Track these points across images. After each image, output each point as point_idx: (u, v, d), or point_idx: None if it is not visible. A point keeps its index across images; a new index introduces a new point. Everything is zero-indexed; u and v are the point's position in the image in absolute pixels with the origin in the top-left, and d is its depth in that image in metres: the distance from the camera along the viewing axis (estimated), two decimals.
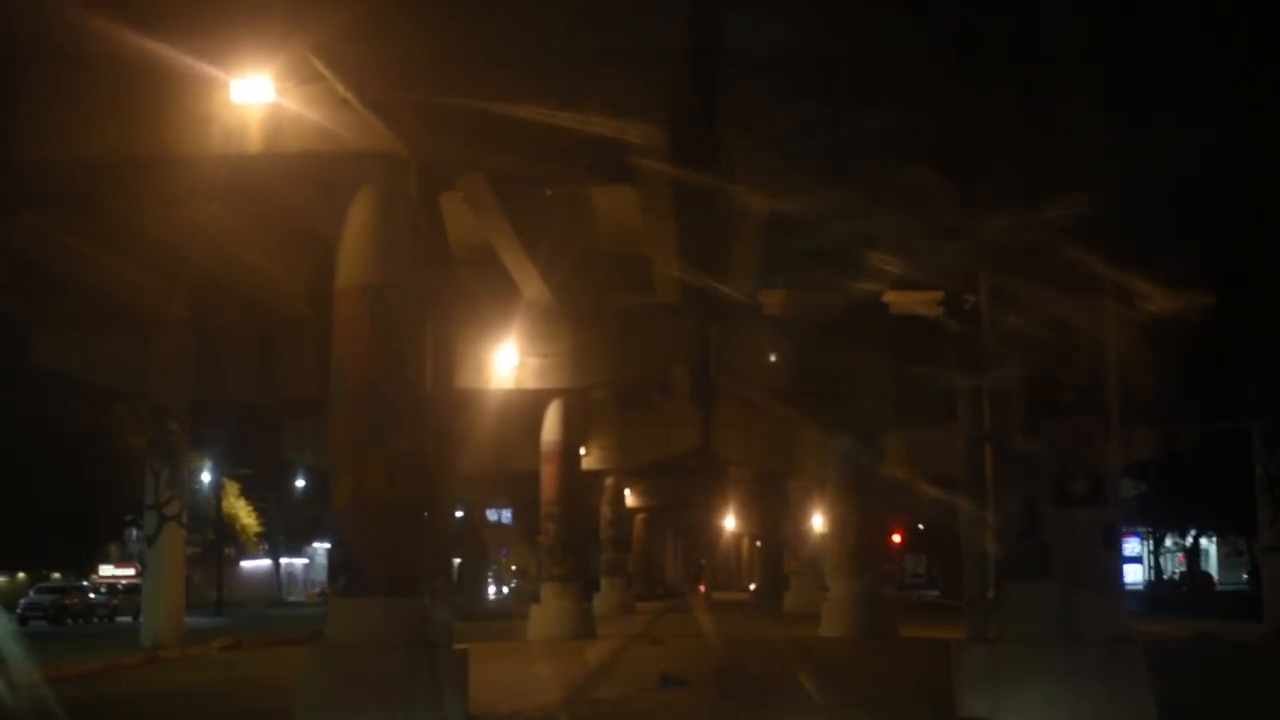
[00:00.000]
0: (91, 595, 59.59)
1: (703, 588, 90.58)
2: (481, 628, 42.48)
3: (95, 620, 56.73)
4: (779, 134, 19.36)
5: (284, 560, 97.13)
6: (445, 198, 21.32)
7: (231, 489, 76.60)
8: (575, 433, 36.20)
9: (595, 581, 53.63)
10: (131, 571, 72.51)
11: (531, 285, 33.60)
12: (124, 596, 61.04)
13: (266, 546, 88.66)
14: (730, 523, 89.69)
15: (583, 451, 49.58)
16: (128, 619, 54.95)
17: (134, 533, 76.59)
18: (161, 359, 34.37)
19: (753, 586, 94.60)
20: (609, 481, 54.21)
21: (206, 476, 70.56)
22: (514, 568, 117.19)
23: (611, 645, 33.62)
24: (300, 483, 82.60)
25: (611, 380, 36.29)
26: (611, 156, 22.41)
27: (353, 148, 17.23)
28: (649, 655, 29.24)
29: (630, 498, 70.14)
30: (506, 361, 35.24)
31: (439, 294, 18.74)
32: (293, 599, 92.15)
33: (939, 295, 33.33)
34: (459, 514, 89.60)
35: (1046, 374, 15.04)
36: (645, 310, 36.03)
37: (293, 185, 19.70)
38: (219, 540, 70.65)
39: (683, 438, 51.45)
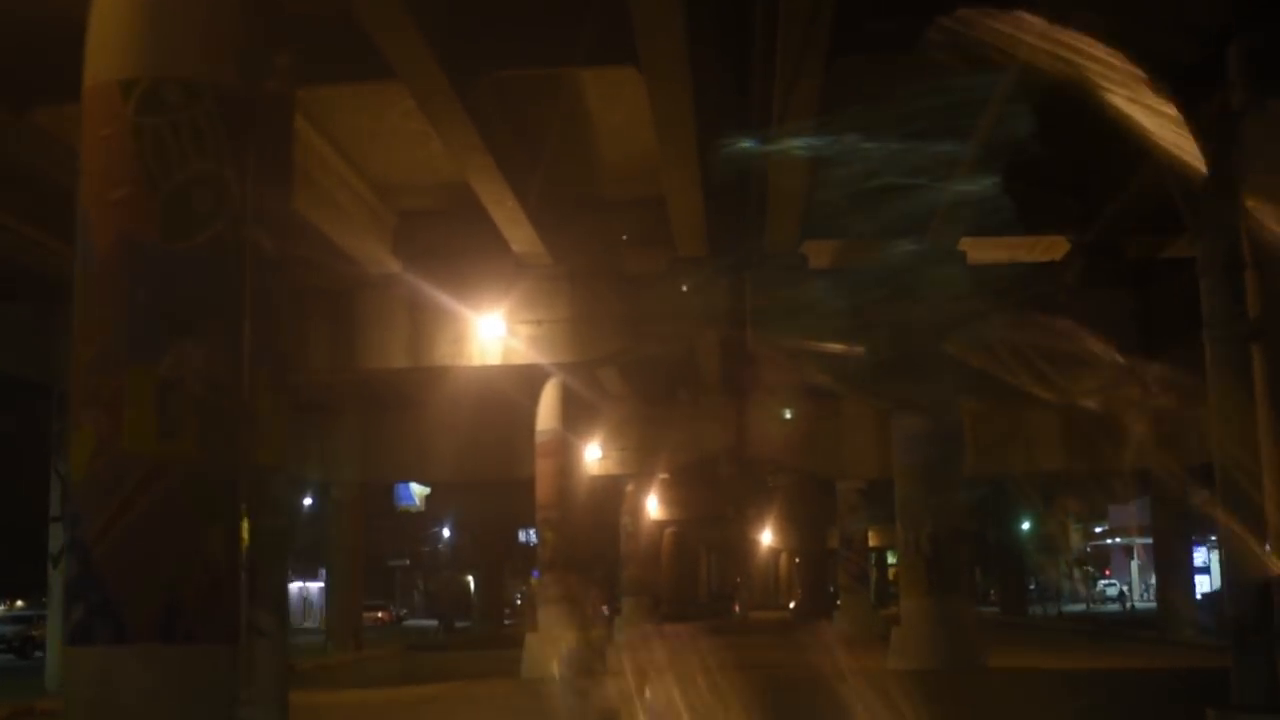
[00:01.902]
0: None
1: (737, 607, 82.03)
2: (474, 660, 34.67)
3: None
4: None
5: (298, 584, 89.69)
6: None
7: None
8: (577, 420, 28.35)
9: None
10: None
11: (521, 236, 26.08)
12: None
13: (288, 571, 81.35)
14: (767, 537, 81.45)
15: (599, 454, 41.95)
16: None
17: None
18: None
19: (792, 605, 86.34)
20: (629, 488, 46.20)
21: None
22: None
23: (625, 684, 25.78)
24: (308, 500, 74.71)
25: (622, 354, 28.47)
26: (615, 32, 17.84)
27: None
28: (673, 699, 21.40)
29: (657, 510, 62.27)
30: (491, 332, 27.50)
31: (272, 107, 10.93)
32: (308, 624, 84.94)
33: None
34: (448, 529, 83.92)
35: None
36: (663, 268, 28.31)
37: None
38: None
39: (713, 437, 43.73)
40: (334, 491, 44.33)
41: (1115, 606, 75.09)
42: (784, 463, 46.08)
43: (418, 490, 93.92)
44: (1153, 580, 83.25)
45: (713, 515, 70.03)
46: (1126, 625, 47.71)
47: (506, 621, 64.19)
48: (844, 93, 20.02)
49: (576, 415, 28.78)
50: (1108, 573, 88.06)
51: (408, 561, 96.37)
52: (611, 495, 47.40)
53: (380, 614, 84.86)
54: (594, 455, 43.42)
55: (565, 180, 26.38)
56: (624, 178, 26.76)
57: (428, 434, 43.19)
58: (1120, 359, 27.13)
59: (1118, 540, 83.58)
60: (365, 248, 27.62)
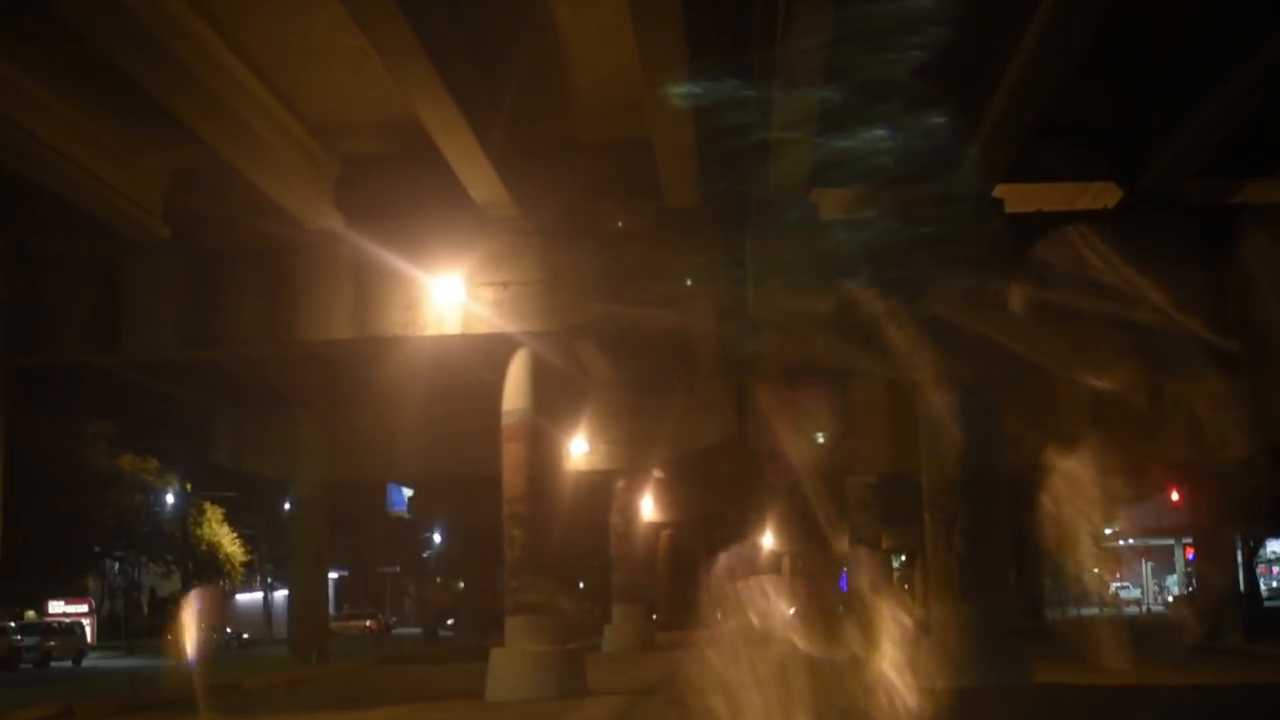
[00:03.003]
0: (19, 638, 46.99)
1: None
2: (446, 676, 30.17)
3: (23, 667, 44.77)
4: None
5: (283, 593, 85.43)
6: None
7: (214, 514, 65.81)
8: (553, 401, 23.89)
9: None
10: (84, 608, 60.87)
11: (482, 182, 21.93)
12: (62, 638, 49.06)
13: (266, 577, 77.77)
14: (769, 540, 76.76)
15: (585, 448, 37.50)
16: (65, 664, 45.77)
17: (114, 565, 66.65)
18: None
19: (792, 610, 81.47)
20: (619, 485, 41.60)
21: (171, 498, 60.01)
22: None
23: (605, 710, 21.38)
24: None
25: (601, 322, 24.01)
26: None
27: None
28: None
29: (653, 511, 57.79)
30: (449, 296, 23.14)
31: None
32: (283, 635, 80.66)
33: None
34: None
35: None
36: (648, 222, 23.97)
37: None
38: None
39: (712, 427, 39.45)
40: (296, 491, 39.86)
41: (1132, 610, 70.77)
42: (789, 457, 41.49)
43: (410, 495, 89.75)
44: (1169, 582, 79.45)
45: (712, 516, 65.48)
46: (1159, 630, 43.12)
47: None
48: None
49: (552, 395, 24.22)
50: (1118, 575, 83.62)
51: (398, 568, 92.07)
52: (601, 493, 42.84)
53: (369, 622, 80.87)
54: (580, 449, 39.06)
55: (534, 117, 22.15)
56: (602, 115, 22.57)
57: (398, 428, 38.84)
58: (1183, 327, 22.78)
59: (1131, 541, 79.13)
60: (301, 199, 23.35)
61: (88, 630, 56.22)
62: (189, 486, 59.78)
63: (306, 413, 39.10)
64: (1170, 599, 71.49)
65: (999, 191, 23.32)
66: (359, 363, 35.03)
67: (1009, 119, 20.55)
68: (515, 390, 23.60)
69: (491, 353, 23.92)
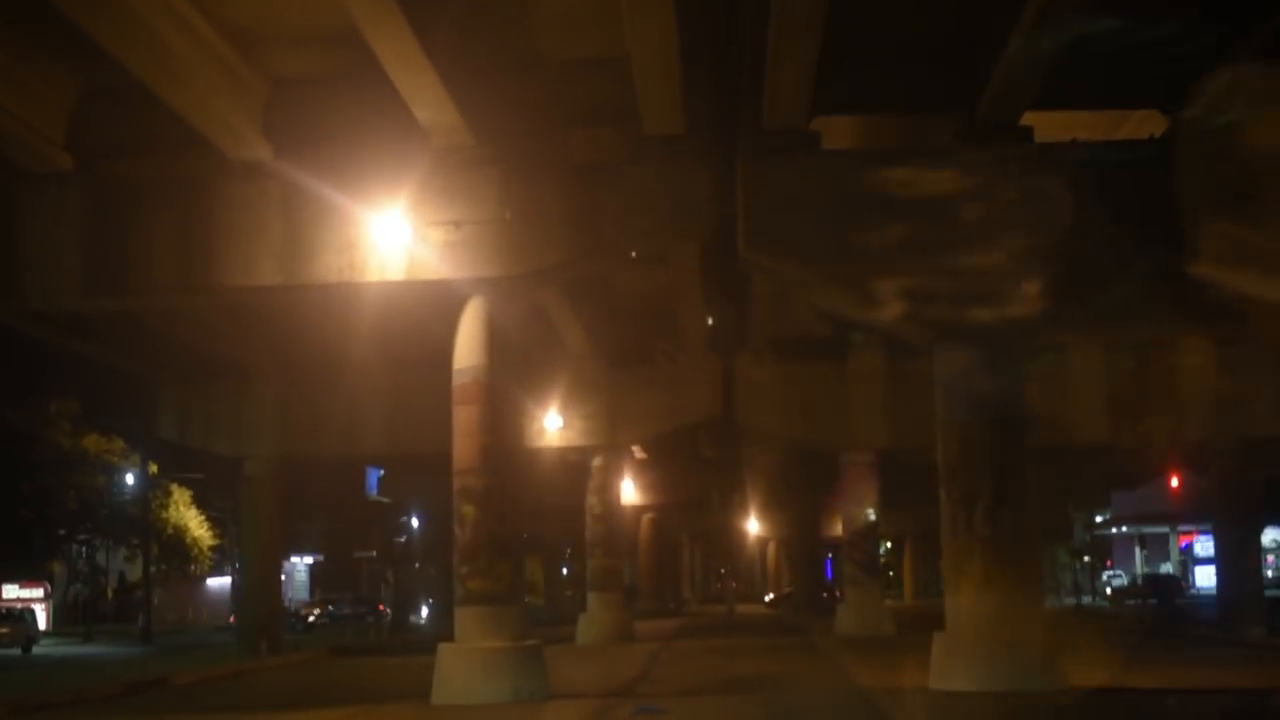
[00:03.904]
0: None
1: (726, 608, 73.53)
2: (399, 670, 26.64)
3: None
4: None
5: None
6: None
7: (181, 496, 62.15)
8: (509, 357, 20.31)
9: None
10: (39, 593, 57.21)
11: (428, 98, 18.47)
12: (12, 625, 45.45)
13: (235, 563, 74.01)
14: (754, 525, 73.46)
15: (559, 423, 33.98)
16: (15, 651, 41.46)
17: (81, 549, 63.19)
18: None
19: (769, 597, 78.16)
20: (596, 463, 37.99)
21: (131, 479, 56.41)
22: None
23: (568, 716, 17.91)
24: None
25: (569, 266, 20.42)
26: None
27: None
28: None
29: (634, 494, 54.40)
30: (392, 237, 19.58)
31: None
32: None
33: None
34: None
35: None
36: (625, 152, 20.45)
37: None
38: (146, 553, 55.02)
39: (696, 402, 35.98)
40: (248, 468, 36.20)
41: (1128, 602, 67.48)
42: (779, 433, 38.07)
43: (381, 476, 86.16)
44: (1163, 569, 76.15)
45: (696, 500, 62.10)
46: (1171, 621, 39.74)
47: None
48: None
49: (511, 353, 20.63)
50: (1109, 563, 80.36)
51: (374, 553, 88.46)
52: (580, 473, 39.28)
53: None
54: (554, 424, 35.52)
55: (489, 26, 18.57)
56: (572, 26, 19.09)
57: (359, 401, 35.28)
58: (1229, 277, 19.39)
59: (1124, 528, 75.97)
60: (223, 124, 19.83)
61: (41, 617, 52.53)
62: (155, 468, 56.24)
63: (258, 384, 35.50)
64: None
65: (1028, 119, 19.83)
66: (312, 328, 31.49)
67: (1038, 36, 17.07)
68: (468, 345, 20.01)
69: (442, 303, 20.29)
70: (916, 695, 18.20)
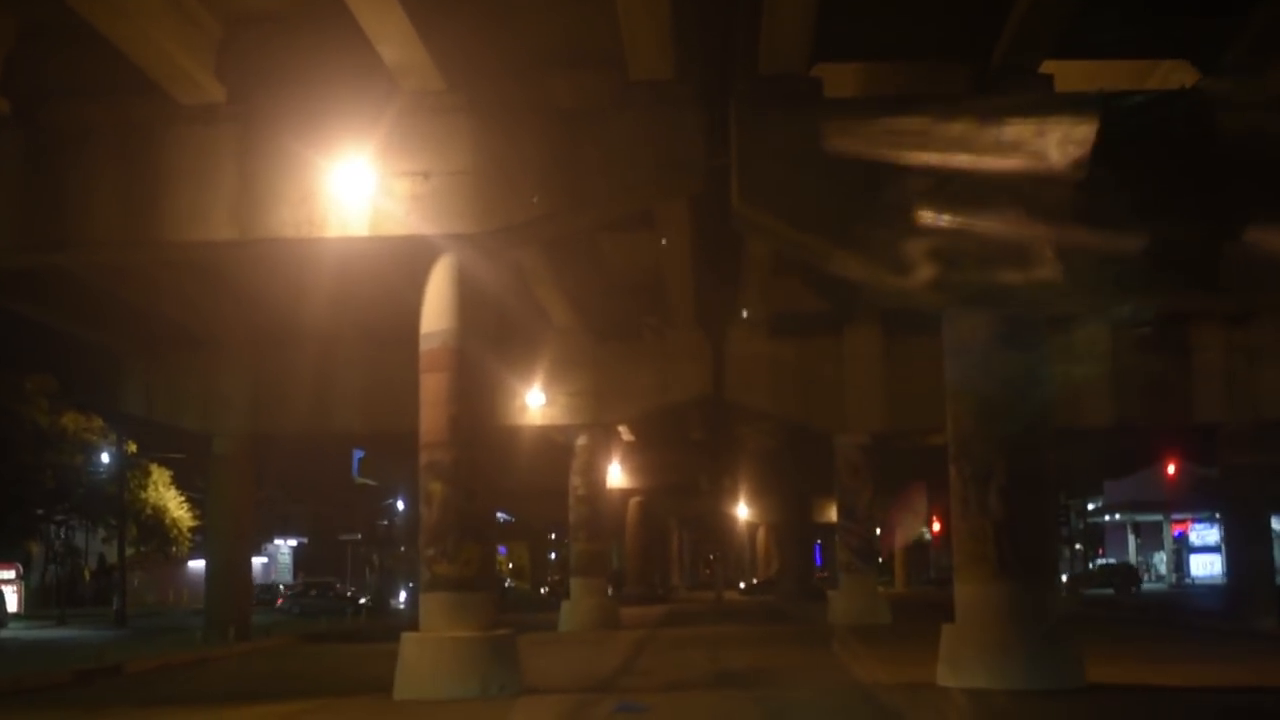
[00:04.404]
0: None
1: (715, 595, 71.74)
2: (370, 660, 24.84)
3: None
4: None
5: None
6: None
7: (160, 477, 60.18)
8: (482, 321, 18.48)
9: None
10: (10, 574, 55.36)
11: (393, 34, 16.72)
12: None
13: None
14: (743, 511, 71.70)
15: (542, 399, 32.21)
16: None
17: (60, 530, 61.38)
18: None
19: (742, 586, 76.38)
20: (580, 442, 36.18)
21: (107, 457, 54.56)
22: (510, 565, 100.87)
23: (541, 712, 16.12)
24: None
25: (547, 223, 18.56)
26: None
27: None
28: None
29: (621, 477, 52.63)
30: (354, 189, 17.77)
31: None
32: None
33: None
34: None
35: None
36: (608, 99, 18.59)
37: None
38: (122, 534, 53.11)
39: (685, 379, 34.25)
40: (216, 445, 34.35)
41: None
42: (771, 413, 36.31)
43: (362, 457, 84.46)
44: (1158, 558, 74.62)
45: (684, 484, 60.36)
46: (1176, 613, 38.04)
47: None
48: None
49: (485, 317, 18.74)
50: (1100, 551, 78.91)
51: (359, 536, 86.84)
52: (562, 453, 37.51)
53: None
54: (537, 401, 33.75)
55: None
56: None
57: (332, 375, 33.52)
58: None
59: (1118, 516, 74.41)
60: (173, 65, 18.01)
61: (12, 599, 50.74)
62: (134, 447, 54.42)
63: (228, 357, 33.61)
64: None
65: (1048, 68, 18.06)
66: (283, 298, 29.72)
67: None
68: (437, 307, 18.19)
69: (410, 262, 18.47)
70: (925, 693, 16.43)
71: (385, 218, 17.99)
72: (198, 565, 74.97)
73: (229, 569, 34.23)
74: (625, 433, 48.14)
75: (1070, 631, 17.47)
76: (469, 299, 18.24)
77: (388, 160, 18.00)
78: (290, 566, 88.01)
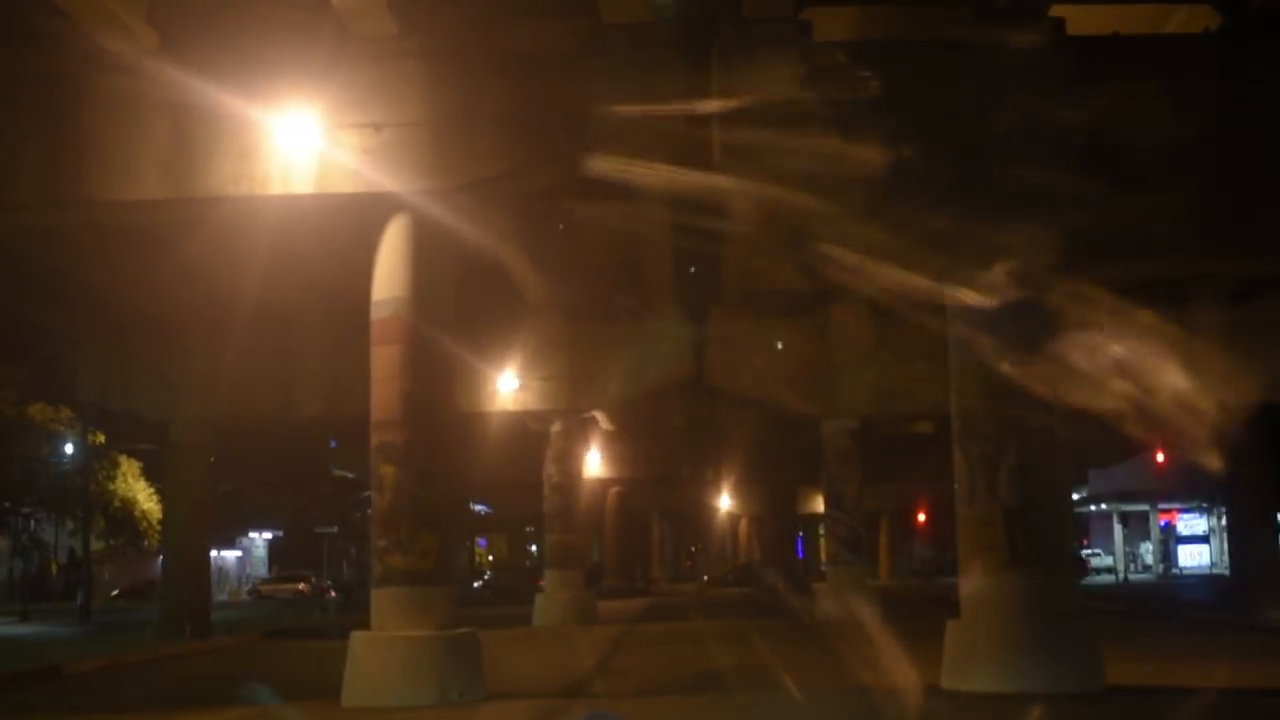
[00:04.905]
0: None
1: (696, 586, 69.82)
2: (331, 660, 22.93)
3: None
4: None
5: (212, 553, 78.23)
6: None
7: (130, 468, 58.17)
8: (441, 288, 16.66)
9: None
10: None
11: None
12: None
13: None
14: (725, 502, 70.03)
15: (515, 384, 30.44)
16: None
17: (29, 523, 59.45)
18: None
19: (706, 579, 74.50)
20: (555, 428, 34.36)
21: (70, 448, 52.65)
22: (490, 558, 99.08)
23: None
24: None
25: (509, 177, 16.72)
26: None
27: None
28: None
29: (600, 467, 50.84)
30: (299, 142, 15.96)
31: None
32: (221, 598, 74.07)
33: None
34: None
35: None
36: (577, 42, 16.81)
37: None
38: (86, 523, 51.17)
39: (665, 362, 32.40)
40: (173, 433, 32.47)
41: (1108, 578, 64.67)
42: (755, 397, 34.52)
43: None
44: (1144, 549, 73.22)
45: (666, 475, 58.51)
46: (1172, 604, 36.45)
47: None
48: None
49: (444, 284, 16.93)
50: (1085, 542, 77.49)
51: (336, 529, 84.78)
52: (539, 442, 35.70)
53: (301, 585, 73.48)
54: (510, 385, 31.96)
55: None
56: None
57: (295, 358, 31.60)
58: None
59: (1103, 506, 72.97)
60: (101, 7, 15.99)
61: None
62: (102, 438, 52.55)
63: (184, 339, 31.69)
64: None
65: (1058, 11, 16.34)
66: (228, 270, 27.64)
67: None
68: (390, 273, 16.40)
69: (361, 223, 16.66)
70: (930, 698, 14.68)
71: (333, 173, 16.20)
72: None
73: (186, 563, 32.38)
74: (604, 421, 46.37)
75: (1087, 628, 15.75)
76: (425, 264, 16.45)
77: (336, 111, 16.21)
78: (265, 560, 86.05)
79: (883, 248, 15.62)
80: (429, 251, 16.52)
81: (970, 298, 15.66)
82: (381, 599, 15.97)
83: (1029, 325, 15.55)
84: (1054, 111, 15.23)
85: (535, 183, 17.22)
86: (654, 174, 17.49)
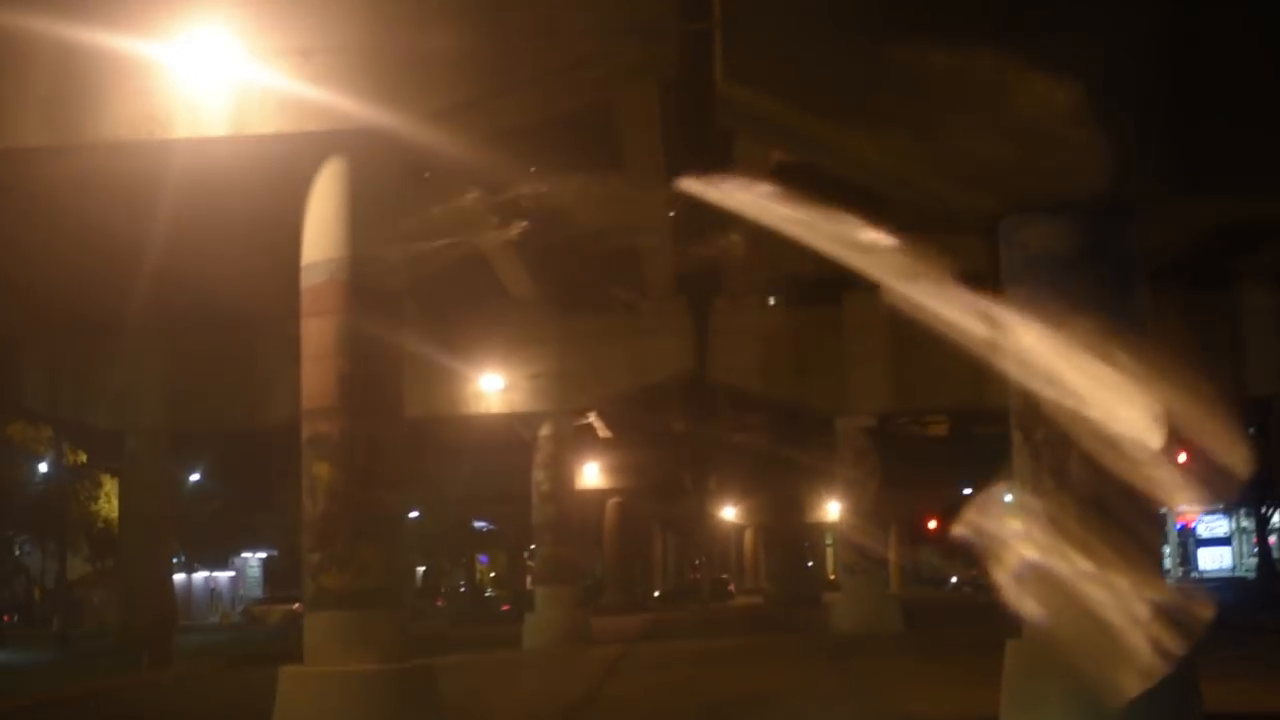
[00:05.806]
0: None
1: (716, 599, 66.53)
2: (261, 692, 19.81)
3: None
4: None
5: (204, 574, 75.62)
6: None
7: (114, 488, 55.33)
8: (384, 247, 13.51)
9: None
10: None
11: None
12: None
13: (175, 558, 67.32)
14: (730, 512, 67.00)
15: (500, 383, 27.41)
16: None
17: (12, 547, 57.12)
18: None
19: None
20: (544, 432, 31.11)
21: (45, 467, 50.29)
22: (492, 575, 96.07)
23: None
24: (195, 476, 59.75)
25: (475, 104, 13.55)
26: None
27: None
28: None
29: (598, 477, 47.78)
30: (214, 75, 12.86)
31: None
32: (213, 619, 71.44)
33: None
34: None
35: None
36: None
37: None
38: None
39: (663, 356, 29.51)
40: (131, 444, 29.41)
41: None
42: (762, 394, 31.40)
43: None
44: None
45: (667, 484, 55.32)
46: (1224, 610, 33.21)
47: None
48: None
49: (388, 242, 13.80)
50: None
51: None
52: (524, 443, 32.55)
53: (295, 605, 70.30)
54: (495, 385, 28.93)
55: None
56: None
57: (262, 361, 28.43)
58: None
59: None
60: None
61: None
62: (84, 457, 50.17)
63: (140, 342, 28.58)
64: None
65: None
66: (202, 265, 24.46)
67: None
68: (323, 229, 13.30)
69: (289, 172, 13.54)
70: None
71: (252, 111, 13.10)
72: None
73: (144, 586, 29.25)
74: (601, 428, 43.28)
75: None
76: (367, 219, 13.34)
77: (255, 36, 13.10)
78: (261, 580, 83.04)
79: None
80: (372, 205, 13.42)
81: (1032, 242, 12.53)
82: (315, 626, 12.82)
83: (1103, 278, 12.43)
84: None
85: (499, 117, 14.04)
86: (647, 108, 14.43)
